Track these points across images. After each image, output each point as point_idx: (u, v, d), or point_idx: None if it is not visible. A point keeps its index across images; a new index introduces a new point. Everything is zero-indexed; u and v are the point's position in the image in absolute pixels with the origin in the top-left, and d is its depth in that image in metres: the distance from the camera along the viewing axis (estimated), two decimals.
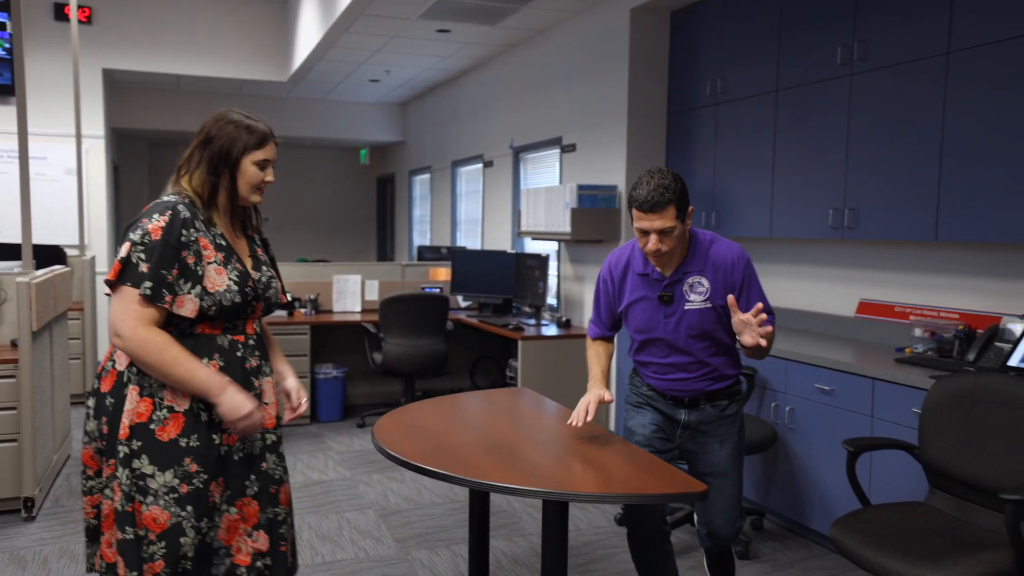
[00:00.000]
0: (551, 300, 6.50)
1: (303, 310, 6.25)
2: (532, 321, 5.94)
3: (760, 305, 2.54)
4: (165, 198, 2.16)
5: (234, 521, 2.16)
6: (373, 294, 6.54)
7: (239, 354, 2.19)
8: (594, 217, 5.39)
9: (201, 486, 2.07)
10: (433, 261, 7.16)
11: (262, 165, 2.22)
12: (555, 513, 2.48)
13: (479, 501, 3.22)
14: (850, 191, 4.02)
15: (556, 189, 5.59)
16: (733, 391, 2.88)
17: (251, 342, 2.23)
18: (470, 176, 8.32)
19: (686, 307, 2.74)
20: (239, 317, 2.19)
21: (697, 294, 2.73)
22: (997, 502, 2.68)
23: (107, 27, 7.80)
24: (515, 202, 7.13)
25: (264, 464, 2.23)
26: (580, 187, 5.35)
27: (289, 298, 6.15)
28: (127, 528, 2.04)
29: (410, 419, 3.01)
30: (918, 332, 3.91)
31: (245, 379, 2.18)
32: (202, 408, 2.10)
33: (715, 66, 4.95)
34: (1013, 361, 3.21)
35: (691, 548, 3.82)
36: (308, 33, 7.31)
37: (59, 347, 4.75)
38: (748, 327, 2.55)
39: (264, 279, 2.28)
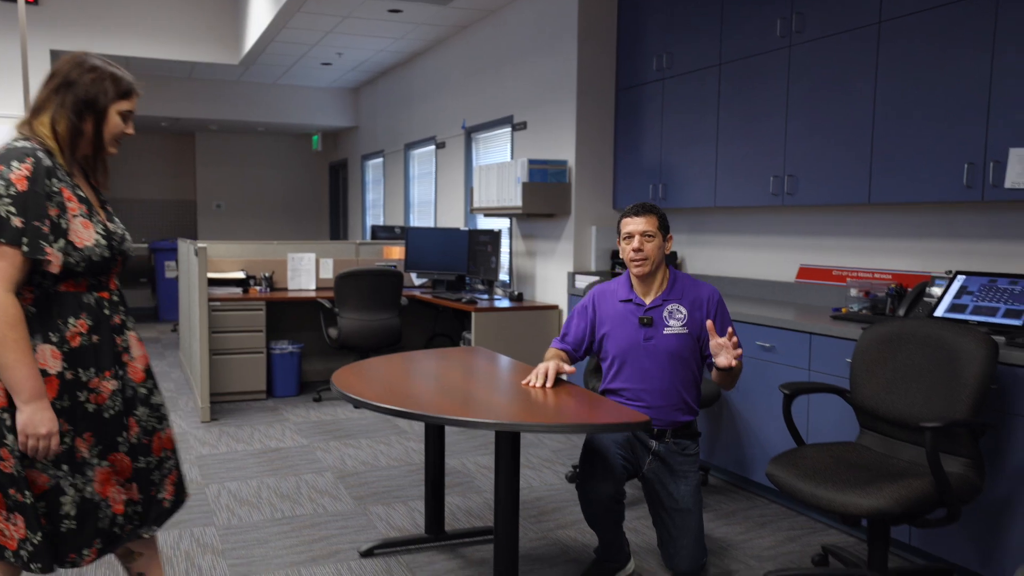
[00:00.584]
0: (504, 276, 6.62)
1: (258, 288, 6.28)
2: (485, 296, 6.05)
3: (732, 329, 2.84)
4: (18, 144, 2.02)
5: (106, 473, 2.10)
6: (327, 272, 6.59)
7: (106, 311, 2.11)
8: (545, 191, 5.52)
9: (70, 442, 2.03)
10: (387, 240, 7.23)
11: (125, 116, 2.15)
12: (507, 444, 2.60)
13: (434, 439, 3.33)
14: (789, 159, 4.21)
15: (507, 164, 5.71)
16: (694, 431, 3.15)
17: (115, 298, 2.16)
18: (423, 158, 8.40)
19: (665, 331, 3.04)
20: (104, 273, 2.11)
21: (676, 320, 3.03)
22: (921, 437, 2.87)
23: (55, 7, 7.71)
24: (468, 181, 7.24)
25: (131, 419, 2.18)
26: (531, 161, 5.47)
27: (244, 275, 6.18)
28: (9, 492, 1.98)
29: (367, 370, 3.11)
30: (853, 292, 4.11)
31: (111, 336, 2.12)
32: (67, 368, 2.03)
33: (661, 42, 5.11)
34: (938, 313, 3.41)
35: (638, 500, 3.97)
36: (259, 13, 7.32)
37: None
38: (724, 349, 2.82)
39: (120, 232, 2.19)
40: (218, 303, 5.75)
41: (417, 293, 6.44)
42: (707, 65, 4.74)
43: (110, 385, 2.10)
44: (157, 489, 2.24)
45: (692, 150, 4.88)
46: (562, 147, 5.70)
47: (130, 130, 2.18)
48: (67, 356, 2.02)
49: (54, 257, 1.97)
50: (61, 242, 1.99)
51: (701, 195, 4.81)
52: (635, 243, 2.99)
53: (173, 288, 10.22)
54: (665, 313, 3.04)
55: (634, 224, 3.01)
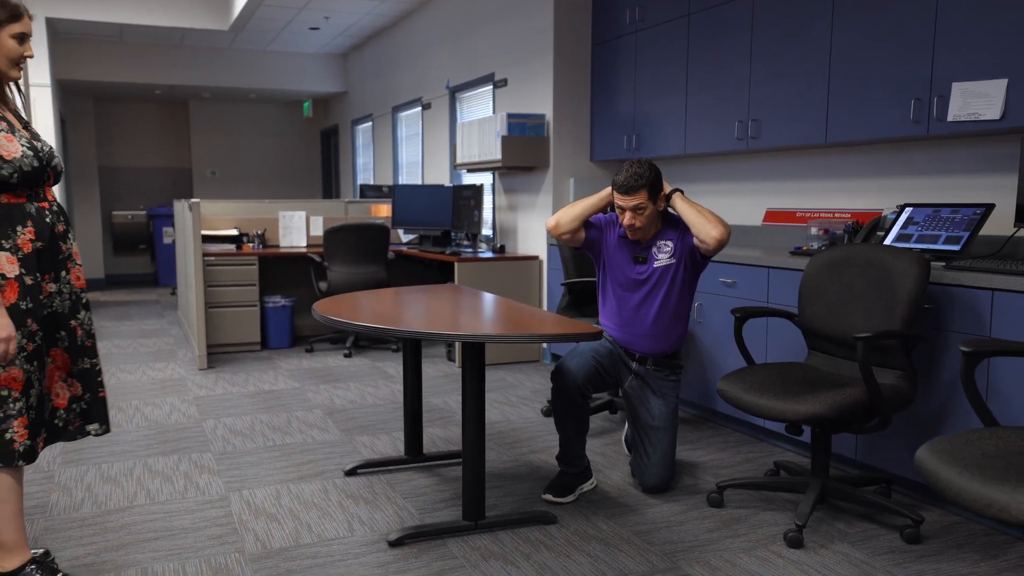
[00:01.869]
0: (487, 231, 6.83)
1: (251, 244, 6.49)
2: (470, 249, 6.27)
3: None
4: None
5: (50, 369, 2.33)
6: (318, 230, 6.81)
7: (48, 220, 2.29)
8: (524, 144, 5.72)
9: (40, 343, 2.24)
10: (375, 199, 7.44)
11: (20, 39, 2.23)
12: (472, 353, 2.83)
13: (411, 363, 3.55)
14: (753, 103, 4.40)
15: (488, 120, 5.91)
16: (675, 364, 3.40)
17: (55, 207, 2.33)
18: (410, 120, 8.58)
19: (655, 264, 3.30)
20: (38, 184, 2.26)
21: (664, 253, 3.29)
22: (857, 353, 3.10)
23: None
24: (452, 140, 7.43)
25: (74, 321, 2.38)
26: (510, 115, 5.67)
27: (237, 232, 6.40)
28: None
29: (348, 300, 3.33)
30: (813, 231, 4.32)
31: (54, 243, 2.30)
32: (24, 273, 2.22)
33: None
34: (886, 242, 3.63)
35: (607, 431, 4.22)
36: None
37: None
38: None
39: (47, 148, 2.32)
40: (212, 258, 5.98)
41: (404, 248, 6.65)
42: (676, 16, 4.92)
43: (51, 287, 2.30)
44: (104, 389, 2.49)
45: (664, 100, 5.07)
46: (541, 102, 5.89)
47: (29, 52, 2.27)
48: (22, 262, 2.20)
49: None
50: None
51: (672, 143, 5.01)
52: (627, 219, 3.22)
53: (171, 253, 10.45)
54: (655, 248, 3.30)
55: (623, 201, 3.20)
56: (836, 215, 4.36)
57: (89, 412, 2.46)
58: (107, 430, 2.50)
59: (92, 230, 10.79)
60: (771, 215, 4.75)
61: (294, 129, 12.19)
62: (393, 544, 2.78)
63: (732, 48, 4.52)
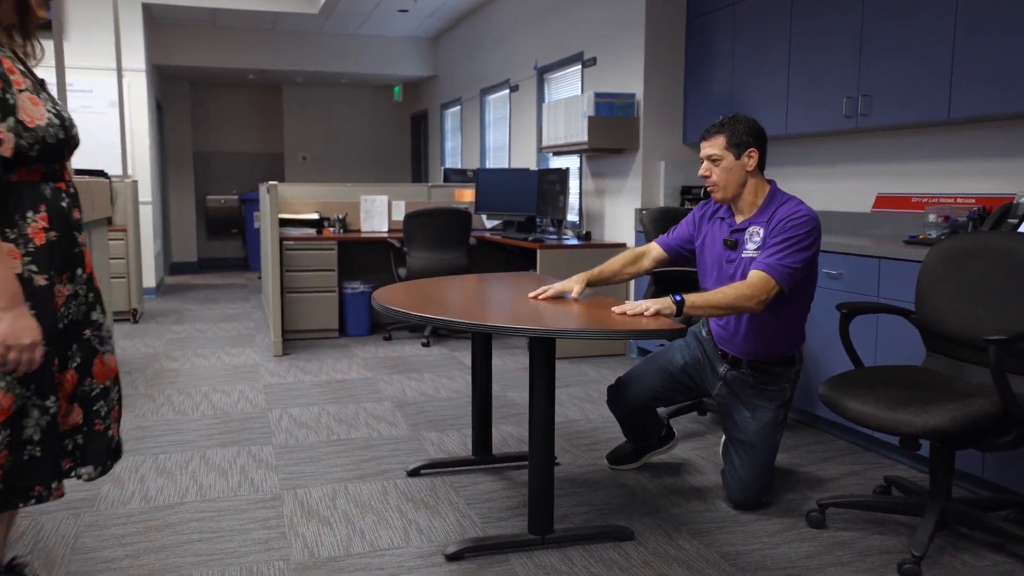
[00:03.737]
0: (573, 216, 6.53)
1: (331, 229, 6.38)
2: (554, 236, 5.98)
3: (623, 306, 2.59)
4: None
5: (62, 393, 1.85)
6: (400, 214, 6.64)
7: (64, 204, 1.83)
8: (612, 125, 5.39)
9: (45, 359, 1.73)
10: (459, 183, 7.23)
11: None
12: (541, 349, 2.55)
13: (481, 357, 3.31)
14: (864, 78, 3.96)
15: (574, 99, 5.59)
16: (778, 371, 2.96)
17: (72, 190, 1.88)
18: (497, 103, 8.33)
19: (743, 255, 2.88)
20: (57, 159, 1.81)
21: (753, 244, 2.86)
22: (988, 357, 2.68)
23: None
24: (539, 123, 7.14)
25: (86, 332, 1.91)
26: (597, 95, 5.34)
27: (317, 216, 6.29)
28: None
29: (414, 288, 3.11)
30: (932, 218, 3.85)
31: (70, 233, 1.85)
32: (35, 272, 1.75)
33: None
34: (1022, 230, 3.17)
35: (697, 433, 3.88)
36: None
37: (98, 253, 4.94)
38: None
39: (68, 114, 1.87)
40: (291, 242, 5.88)
41: (487, 234, 6.42)
42: None
43: (66, 290, 1.84)
44: (102, 421, 1.94)
45: (763, 77, 4.65)
46: (631, 80, 5.54)
47: None
48: (32, 256, 1.75)
49: (4, 137, 1.66)
50: (10, 120, 1.67)
51: (772, 123, 4.59)
52: (703, 168, 2.88)
53: (260, 238, 10.53)
54: (746, 235, 2.88)
55: (702, 148, 2.87)
56: (958, 200, 3.88)
57: (84, 451, 1.91)
58: (103, 472, 1.95)
59: (187, 214, 10.98)
60: (882, 200, 4.29)
61: (385, 114, 12.12)
62: (450, 558, 2.54)
63: (841, 19, 4.08)
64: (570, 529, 2.69)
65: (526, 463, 3.41)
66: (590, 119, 5.33)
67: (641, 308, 2.52)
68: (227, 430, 3.82)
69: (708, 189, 2.92)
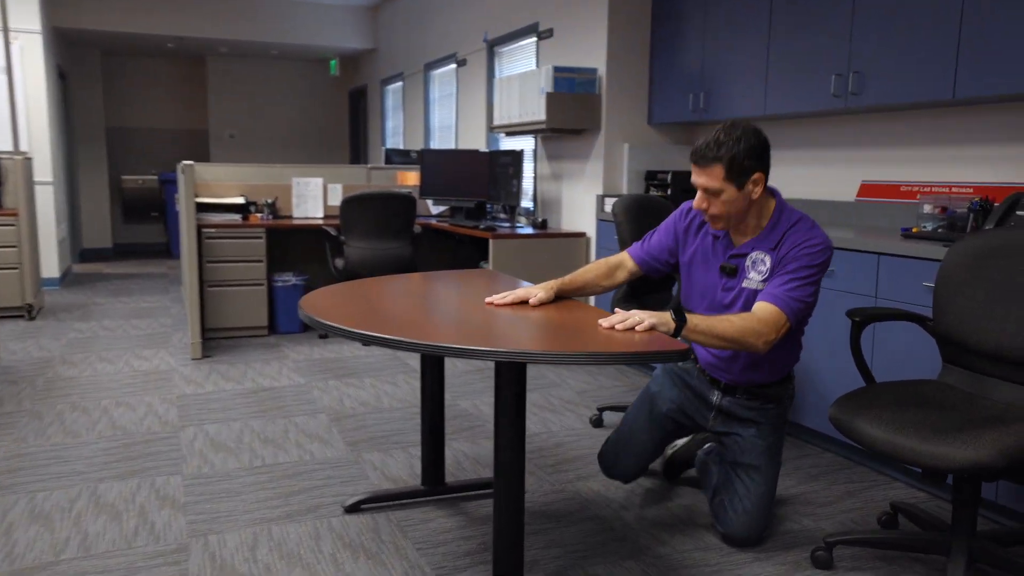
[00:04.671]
0: (527, 203, 6.06)
1: (259, 215, 5.79)
2: (507, 224, 5.51)
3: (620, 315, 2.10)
4: None
5: None
6: (336, 199, 6.08)
7: None
8: (572, 104, 4.92)
9: None
10: (402, 165, 6.69)
11: None
12: (510, 378, 2.09)
13: (432, 374, 2.84)
14: (855, 54, 3.56)
15: (530, 74, 5.11)
16: (775, 393, 2.59)
17: None
18: (443, 79, 7.79)
19: (744, 284, 2.45)
20: None
21: (757, 272, 2.44)
22: (1019, 372, 2.31)
23: None
24: (489, 100, 6.63)
25: None
26: (556, 69, 4.87)
27: (243, 201, 5.70)
28: None
29: (349, 290, 2.60)
30: (927, 209, 3.49)
31: None
32: None
33: None
34: None
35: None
36: None
37: None
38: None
39: None
40: (213, 230, 5.28)
41: (433, 221, 5.91)
42: None
43: None
44: None
45: (739, 51, 4.23)
46: (592, 55, 5.07)
47: None
48: None
49: None
50: None
51: (749, 103, 4.18)
52: (697, 200, 2.39)
53: None
54: (748, 262, 2.44)
55: (695, 177, 2.37)
56: (953, 190, 3.53)
57: None
58: None
59: (99, 195, 10.12)
60: (868, 189, 3.93)
61: (320, 89, 11.42)
62: None
63: None
64: None
65: (486, 492, 2.95)
66: (548, 96, 4.85)
67: (633, 321, 2.06)
68: (128, 456, 3.25)
69: (708, 221, 2.46)
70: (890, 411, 2.26)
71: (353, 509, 2.77)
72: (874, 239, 3.18)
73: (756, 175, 2.33)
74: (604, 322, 2.09)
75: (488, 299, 2.36)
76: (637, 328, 2.05)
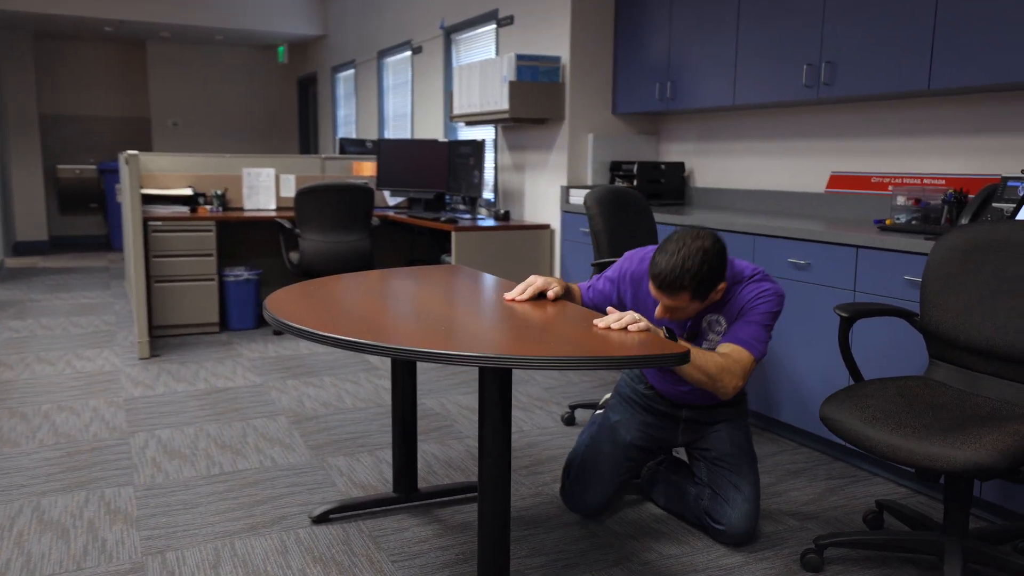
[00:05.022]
0: (487, 194, 5.92)
1: (208, 207, 5.55)
2: (467, 216, 5.37)
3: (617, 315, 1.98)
4: None
5: None
6: (289, 191, 5.87)
7: None
8: (536, 93, 4.79)
9: None
10: (357, 155, 6.49)
11: None
12: (495, 384, 1.96)
13: (403, 379, 2.70)
14: (827, 43, 3.50)
15: (492, 62, 4.97)
16: (740, 410, 2.65)
17: None
18: (398, 67, 7.59)
19: (704, 346, 2.43)
20: None
21: (715, 333, 2.45)
22: (1010, 368, 2.27)
23: None
24: (447, 89, 6.47)
25: None
26: (520, 57, 4.73)
27: (191, 192, 5.46)
28: None
29: (316, 289, 2.44)
30: (900, 200, 3.45)
31: None
32: None
33: None
34: (1020, 217, 2.77)
35: None
36: None
37: None
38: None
39: None
40: (159, 223, 5.04)
41: (391, 214, 5.74)
42: None
43: None
44: None
45: (708, 39, 4.15)
46: (554, 43, 4.95)
47: None
48: None
49: None
50: None
51: (717, 93, 4.10)
52: (660, 312, 2.33)
53: None
54: (705, 324, 2.45)
55: (658, 295, 2.29)
56: (925, 182, 3.50)
57: None
58: None
59: (33, 186, 9.67)
60: (837, 180, 3.88)
61: (267, 77, 11.10)
62: None
63: None
64: None
65: (462, 497, 2.82)
66: (512, 84, 4.72)
67: (629, 320, 1.95)
68: (73, 466, 3.03)
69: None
70: (884, 410, 2.19)
71: (321, 519, 2.62)
72: (851, 231, 3.12)
73: (720, 286, 2.31)
74: (599, 323, 1.97)
75: (508, 295, 2.27)
76: (631, 328, 1.94)
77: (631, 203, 3.54)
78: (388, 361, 4.60)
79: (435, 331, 1.91)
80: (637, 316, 1.95)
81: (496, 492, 2.00)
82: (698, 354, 2.20)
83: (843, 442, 3.14)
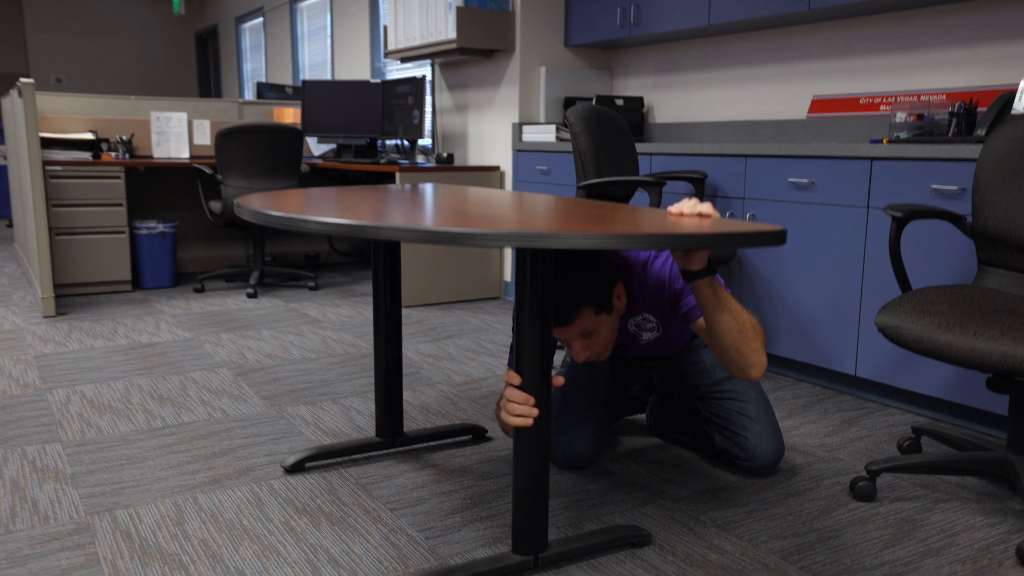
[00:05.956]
0: (424, 142, 5.51)
1: (112, 154, 4.94)
2: (406, 161, 4.95)
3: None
4: None
5: None
6: (204, 138, 5.31)
7: None
8: (484, 20, 4.41)
9: None
10: (277, 99, 5.95)
11: None
12: (536, 263, 1.61)
13: (386, 302, 2.30)
14: None
15: None
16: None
17: None
18: (313, 12, 7.05)
19: (641, 343, 2.22)
20: None
21: (648, 331, 2.18)
22: None
23: None
24: (374, 29, 6.00)
25: None
26: None
27: (93, 136, 4.85)
28: None
29: (291, 195, 2.03)
30: (901, 117, 3.25)
31: None
32: None
33: None
34: None
35: None
36: None
37: None
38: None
39: None
40: (59, 168, 4.42)
41: (320, 162, 5.25)
42: None
43: None
44: None
45: None
46: None
47: None
48: None
49: None
50: None
51: (689, 13, 3.82)
52: (578, 353, 1.97)
53: (2, 178, 8.55)
54: (632, 327, 2.16)
55: (563, 335, 1.94)
56: (921, 99, 3.31)
57: None
58: None
59: None
60: (819, 104, 3.67)
61: (161, 30, 10.25)
62: None
63: None
64: (567, 540, 1.78)
65: (454, 440, 2.46)
66: (459, 10, 4.32)
67: (706, 209, 1.63)
68: None
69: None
70: (957, 315, 1.95)
71: (296, 468, 2.21)
72: (863, 145, 2.88)
73: (617, 288, 1.98)
74: (674, 208, 1.65)
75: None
76: (703, 212, 1.63)
77: (615, 124, 3.22)
78: (328, 312, 4.16)
79: (441, 216, 1.55)
80: (710, 208, 1.63)
81: (538, 389, 1.65)
82: (728, 298, 1.79)
83: (800, 352, 2.91)
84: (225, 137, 4.51)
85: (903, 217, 2.20)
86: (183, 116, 5.19)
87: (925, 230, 2.68)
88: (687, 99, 4.26)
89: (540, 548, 1.72)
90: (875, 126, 3.43)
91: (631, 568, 1.74)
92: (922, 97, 3.31)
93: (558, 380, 1.75)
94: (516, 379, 1.67)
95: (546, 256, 1.61)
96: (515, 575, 1.70)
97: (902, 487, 2.20)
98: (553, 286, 1.83)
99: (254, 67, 8.42)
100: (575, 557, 1.78)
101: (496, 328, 3.95)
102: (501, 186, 4.68)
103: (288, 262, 5.75)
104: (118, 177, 4.59)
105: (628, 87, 4.62)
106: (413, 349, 3.53)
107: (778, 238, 1.49)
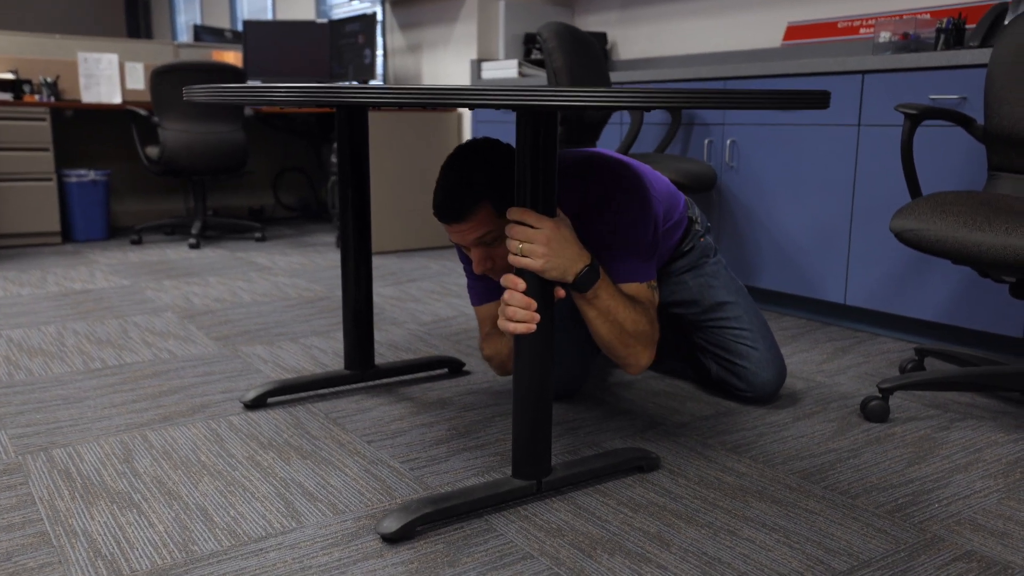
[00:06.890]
0: (376, 83, 5.23)
1: (36, 96, 4.56)
2: None
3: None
4: None
5: None
6: (137, 82, 4.94)
7: None
8: None
9: None
10: (215, 43, 5.59)
11: None
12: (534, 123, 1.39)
13: (355, 217, 2.08)
14: None
15: None
16: (694, 256, 2.09)
17: None
18: None
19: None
20: None
21: None
22: None
23: None
24: None
25: None
26: None
27: (14, 77, 4.46)
28: None
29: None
30: (885, 37, 3.10)
31: None
32: None
33: None
34: None
35: None
36: None
37: None
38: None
39: None
40: None
41: (264, 107, 4.94)
42: None
43: None
44: None
45: None
46: None
47: None
48: None
49: None
50: None
51: None
52: (477, 264, 1.64)
53: None
54: None
55: (457, 238, 1.65)
56: (904, 17, 3.17)
57: None
58: None
59: None
60: (795, 31, 3.51)
61: None
62: (390, 539, 1.35)
63: None
64: (571, 464, 1.59)
65: (429, 374, 2.25)
66: None
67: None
68: None
69: (490, 274, 1.70)
70: (982, 215, 1.80)
71: (258, 403, 1.97)
72: (847, 59, 2.73)
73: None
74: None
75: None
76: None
77: (588, 45, 3.01)
78: (278, 260, 3.89)
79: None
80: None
81: (541, 290, 1.45)
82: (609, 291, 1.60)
83: (784, 283, 2.77)
84: (162, 76, 4.18)
85: (918, 115, 2.04)
86: (114, 58, 4.81)
87: (928, 141, 2.53)
88: (653, 33, 4.07)
89: (543, 472, 1.53)
90: (856, 50, 3.28)
91: (642, 492, 1.56)
92: (905, 16, 3.17)
93: (559, 292, 1.54)
94: (520, 283, 1.45)
95: (550, 121, 1.40)
96: (516, 500, 1.51)
97: (912, 408, 2.07)
98: (448, 185, 1.58)
99: (189, 16, 7.98)
100: (580, 482, 1.59)
101: (458, 272, 3.73)
102: (459, 127, 4.43)
103: (231, 215, 5.43)
104: (43, 119, 4.23)
105: (589, 23, 4.41)
106: (375, 292, 3.30)
107: (822, 101, 1.31)
